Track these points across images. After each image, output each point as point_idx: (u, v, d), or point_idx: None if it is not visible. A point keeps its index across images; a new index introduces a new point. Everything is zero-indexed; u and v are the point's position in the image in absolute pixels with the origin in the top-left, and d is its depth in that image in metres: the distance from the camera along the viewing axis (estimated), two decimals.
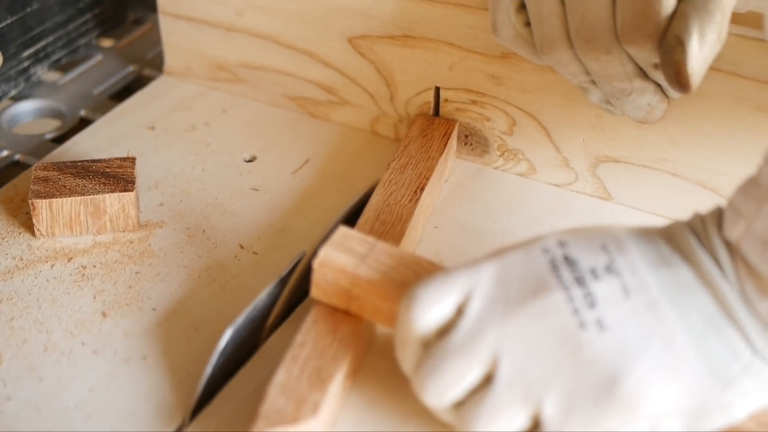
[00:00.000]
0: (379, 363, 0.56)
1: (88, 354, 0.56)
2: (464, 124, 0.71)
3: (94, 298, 0.60)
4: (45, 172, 0.64)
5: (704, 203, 0.63)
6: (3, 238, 0.64)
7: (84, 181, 0.64)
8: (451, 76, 0.69)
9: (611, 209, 0.68)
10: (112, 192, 0.63)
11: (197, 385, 0.53)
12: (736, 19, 0.59)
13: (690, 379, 0.47)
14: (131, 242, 0.64)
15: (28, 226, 0.65)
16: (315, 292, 0.55)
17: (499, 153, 0.70)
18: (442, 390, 0.48)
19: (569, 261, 0.49)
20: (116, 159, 0.66)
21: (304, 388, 0.51)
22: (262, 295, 0.57)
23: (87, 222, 0.64)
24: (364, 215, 0.61)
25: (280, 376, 0.51)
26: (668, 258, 0.49)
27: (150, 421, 0.52)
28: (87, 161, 0.65)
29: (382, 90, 0.72)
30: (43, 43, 0.80)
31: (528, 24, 0.58)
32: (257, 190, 0.69)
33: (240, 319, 0.55)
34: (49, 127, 0.77)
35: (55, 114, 0.79)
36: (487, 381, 0.48)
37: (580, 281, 0.48)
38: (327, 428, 0.51)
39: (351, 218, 0.64)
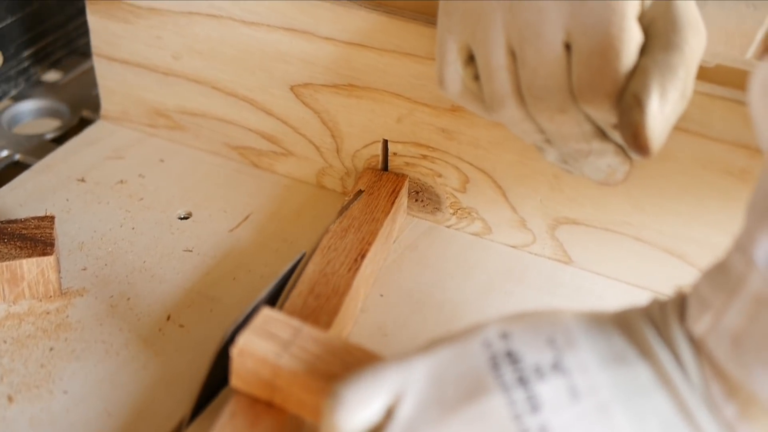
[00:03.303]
0: None
1: None
2: (415, 179, 0.65)
3: (2, 379, 0.55)
4: None
5: (670, 271, 0.58)
6: None
7: None
8: (400, 128, 0.64)
9: (571, 273, 0.63)
10: (30, 257, 0.58)
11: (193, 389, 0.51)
12: (704, 74, 0.54)
13: None
14: (48, 313, 0.59)
15: None
16: (235, 381, 0.50)
17: (451, 211, 0.65)
18: None
19: (512, 357, 0.44)
20: (33, 219, 0.61)
21: None
22: (264, 294, 0.55)
23: (3, 290, 0.58)
24: (297, 287, 0.56)
25: None
26: (622, 354, 0.44)
27: None
28: (1, 223, 0.60)
29: (328, 141, 0.67)
30: (43, 42, 0.80)
31: (478, 77, 0.53)
32: (190, 251, 0.64)
33: (241, 319, 0.52)
34: (49, 127, 0.77)
35: (55, 114, 0.79)
36: None
37: (522, 381, 0.43)
38: None
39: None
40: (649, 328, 0.45)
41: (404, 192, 0.65)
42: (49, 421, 0.52)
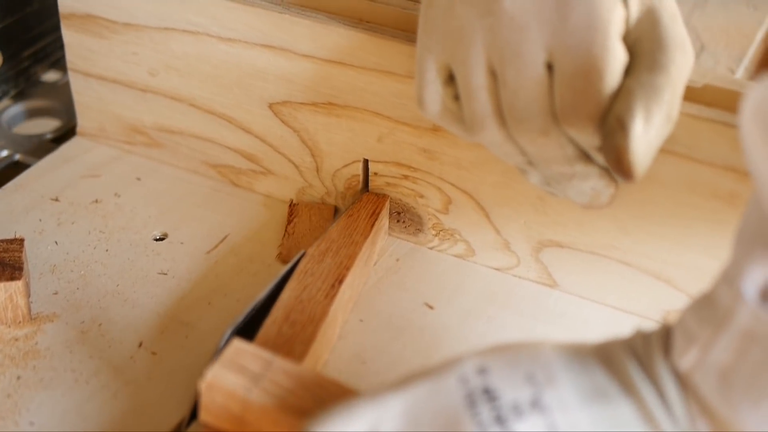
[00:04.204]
0: None
1: None
2: (396, 200, 0.64)
3: None
4: None
5: (657, 295, 0.57)
6: None
7: None
8: (381, 148, 0.62)
9: (556, 297, 0.61)
10: None
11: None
12: (691, 95, 0.52)
13: None
14: (16, 340, 0.57)
15: None
16: (204, 416, 0.48)
17: (434, 232, 0.64)
18: None
19: (489, 394, 0.42)
20: (2, 241, 0.59)
21: None
22: (263, 295, 0.56)
23: None
24: (272, 314, 0.55)
25: None
26: (604, 389, 0.42)
27: None
28: None
29: (308, 160, 0.65)
30: (42, 43, 0.80)
31: (458, 98, 0.51)
32: (165, 274, 0.62)
33: (240, 319, 0.53)
34: (49, 127, 0.78)
35: (55, 114, 0.79)
36: None
37: (500, 420, 0.41)
38: None
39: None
40: (632, 362, 0.43)
41: (385, 213, 0.63)
42: None
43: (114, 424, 0.52)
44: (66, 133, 0.76)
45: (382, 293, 0.61)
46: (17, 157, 0.74)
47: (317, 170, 0.66)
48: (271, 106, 0.64)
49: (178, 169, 0.71)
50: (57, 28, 0.82)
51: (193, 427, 0.51)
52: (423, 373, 0.44)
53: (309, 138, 0.64)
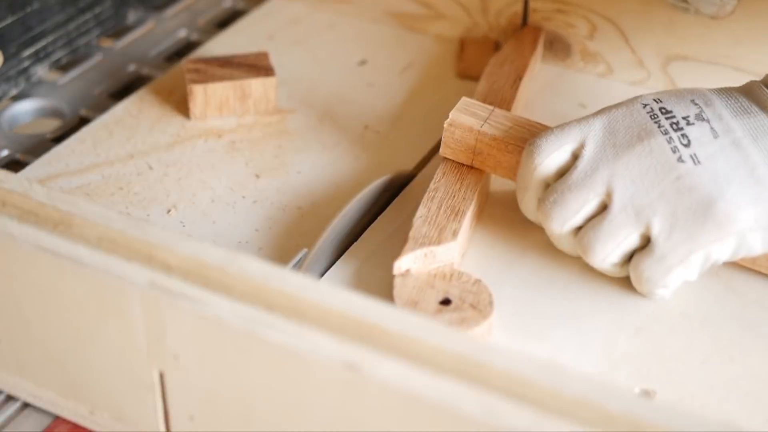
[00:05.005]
0: (495, 212, 0.66)
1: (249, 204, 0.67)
2: (550, 31, 0.81)
3: (247, 164, 0.70)
4: (195, 65, 0.75)
5: None
6: (160, 120, 0.74)
7: (230, 71, 0.74)
8: None
9: None
10: (257, 77, 0.73)
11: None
12: None
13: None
14: (270, 125, 0.75)
15: (180, 111, 0.75)
16: (443, 150, 0.65)
17: (580, 57, 0.81)
18: (564, 218, 0.59)
19: (665, 111, 0.59)
20: (251, 54, 0.76)
21: (442, 220, 0.61)
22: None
23: (234, 105, 0.74)
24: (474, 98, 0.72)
25: (422, 212, 0.62)
26: (748, 108, 0.59)
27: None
28: (228, 56, 0.76)
29: (475, 2, 0.83)
30: (43, 42, 0.80)
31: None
32: (372, 85, 0.80)
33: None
34: (50, 127, 0.77)
35: (56, 114, 0.79)
36: (603, 209, 0.58)
37: (675, 127, 0.59)
38: (460, 254, 0.62)
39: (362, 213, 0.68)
40: (765, 91, 0.60)
41: (541, 42, 0.80)
42: (291, 191, 0.68)
43: (362, 173, 0.70)
44: (66, 132, 0.75)
45: (543, 101, 0.78)
46: (17, 156, 0.74)
47: (483, 11, 0.83)
48: None
49: (363, 20, 0.88)
50: (58, 28, 0.80)
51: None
52: (615, 105, 0.61)
53: None
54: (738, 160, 0.57)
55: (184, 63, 0.75)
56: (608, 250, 0.58)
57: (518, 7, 0.81)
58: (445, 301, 0.57)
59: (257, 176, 0.69)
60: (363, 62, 0.83)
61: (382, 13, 0.87)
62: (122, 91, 0.81)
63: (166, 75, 0.80)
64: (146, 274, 0.47)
